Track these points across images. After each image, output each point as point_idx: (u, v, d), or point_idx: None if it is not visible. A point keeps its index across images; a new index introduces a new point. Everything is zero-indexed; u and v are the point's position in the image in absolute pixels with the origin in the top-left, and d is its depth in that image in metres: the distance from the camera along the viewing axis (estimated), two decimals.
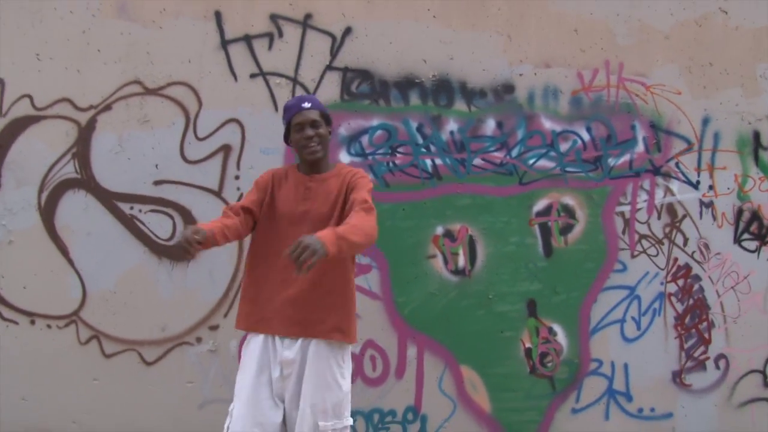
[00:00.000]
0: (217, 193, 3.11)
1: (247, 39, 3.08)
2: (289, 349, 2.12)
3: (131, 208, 3.17)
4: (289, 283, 2.12)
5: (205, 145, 3.12)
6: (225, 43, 3.08)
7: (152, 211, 3.16)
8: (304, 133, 2.21)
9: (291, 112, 2.25)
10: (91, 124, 3.20)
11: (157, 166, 3.14)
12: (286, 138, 2.31)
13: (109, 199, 3.16)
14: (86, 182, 3.10)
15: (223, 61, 3.10)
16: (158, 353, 3.14)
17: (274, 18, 3.07)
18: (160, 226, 3.15)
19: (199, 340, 3.12)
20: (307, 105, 2.23)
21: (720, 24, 3.07)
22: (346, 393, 2.18)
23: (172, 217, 3.15)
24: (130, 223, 3.19)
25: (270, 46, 3.08)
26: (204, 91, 3.11)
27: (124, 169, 3.18)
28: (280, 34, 3.07)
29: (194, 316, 3.12)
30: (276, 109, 3.10)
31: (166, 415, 3.11)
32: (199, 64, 3.10)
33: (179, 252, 1.91)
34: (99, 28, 3.06)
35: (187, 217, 3.14)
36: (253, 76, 3.10)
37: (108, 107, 3.21)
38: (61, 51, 3.04)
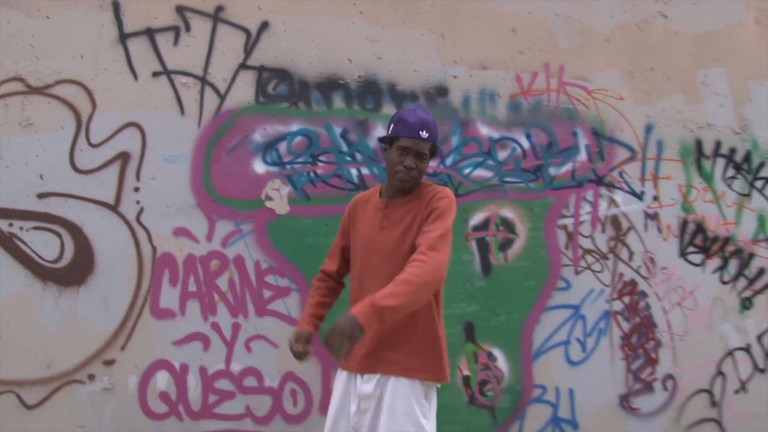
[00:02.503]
0: (113, 208, 2.90)
1: (150, 33, 2.92)
2: (367, 384, 2.17)
3: (10, 225, 2.93)
4: None
5: (99, 153, 2.92)
6: (124, 37, 2.90)
7: (36, 228, 2.93)
8: (406, 160, 2.16)
9: (405, 131, 2.17)
10: None
11: (42, 176, 2.92)
12: (381, 140, 2.30)
13: None
14: None
15: (122, 57, 2.92)
16: (42, 394, 2.88)
17: (180, 10, 2.93)
18: (45, 245, 2.92)
19: (91, 377, 2.88)
20: (424, 135, 2.16)
21: (660, 28, 3.13)
22: None
23: (59, 236, 2.92)
24: (8, 243, 2.93)
25: (176, 42, 2.93)
26: (99, 91, 2.91)
27: (1, 179, 2.91)
28: (188, 28, 2.93)
29: (86, 350, 2.89)
30: (182, 112, 2.91)
31: None
32: (94, 60, 2.91)
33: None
34: None
35: (77, 236, 2.90)
36: (156, 74, 2.93)
37: None
38: None
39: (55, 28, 2.86)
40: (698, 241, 3.18)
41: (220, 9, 2.96)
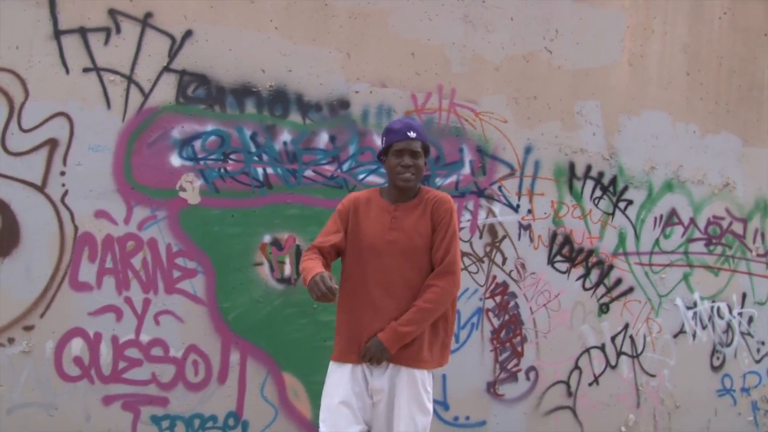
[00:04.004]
0: (40, 188, 3.25)
1: (83, 31, 3.26)
2: (378, 379, 2.40)
3: None
4: (378, 314, 2.39)
5: (29, 138, 3.27)
6: (58, 33, 3.24)
7: None
8: (403, 160, 2.41)
9: (395, 137, 2.44)
10: None
11: None
12: (380, 156, 2.54)
13: None
14: None
15: (55, 51, 3.26)
16: None
17: (112, 13, 3.29)
18: None
19: (11, 340, 3.22)
20: (412, 135, 2.42)
21: (545, 62, 3.60)
22: (431, 415, 2.45)
23: None
24: None
25: (106, 41, 3.28)
26: (32, 81, 3.26)
27: None
28: (118, 30, 3.28)
29: (7, 315, 3.24)
30: (108, 106, 3.27)
31: None
32: (29, 52, 3.25)
33: (321, 298, 2.22)
34: None
35: (4, 211, 3.23)
36: (86, 70, 3.28)
37: None
38: None
39: None
40: (565, 251, 3.69)
41: (149, 15, 3.32)
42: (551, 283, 3.71)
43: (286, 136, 3.42)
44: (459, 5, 3.53)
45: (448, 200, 2.47)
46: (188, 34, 3.34)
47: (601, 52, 3.73)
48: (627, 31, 3.74)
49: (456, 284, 2.39)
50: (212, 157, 3.36)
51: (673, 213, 3.93)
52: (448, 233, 2.39)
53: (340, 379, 2.41)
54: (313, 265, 2.36)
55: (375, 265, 2.40)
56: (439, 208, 2.42)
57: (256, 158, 3.40)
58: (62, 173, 3.25)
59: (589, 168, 3.72)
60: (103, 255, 3.28)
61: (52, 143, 3.27)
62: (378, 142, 3.50)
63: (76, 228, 3.26)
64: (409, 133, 2.41)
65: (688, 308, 3.94)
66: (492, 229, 3.64)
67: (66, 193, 3.25)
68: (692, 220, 3.99)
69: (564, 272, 3.73)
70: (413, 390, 2.37)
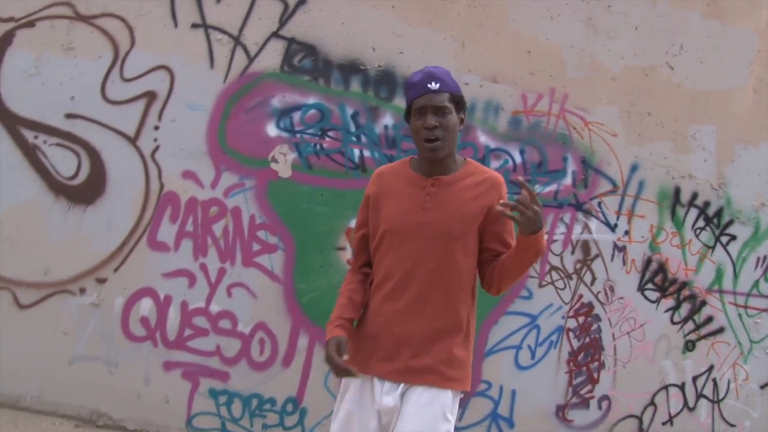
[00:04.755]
0: (132, 140, 3.22)
1: None
2: (388, 395, 1.93)
3: (36, 137, 3.24)
4: (403, 318, 1.94)
5: (129, 88, 3.25)
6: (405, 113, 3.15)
7: (58, 145, 3.23)
8: (426, 120, 1.91)
9: (413, 92, 1.94)
10: (8, 38, 3.26)
11: (73, 98, 3.23)
12: (407, 118, 2.04)
13: (12, 122, 3.18)
14: None
15: (167, 3, 3.21)
16: (35, 297, 3.20)
17: None
18: (63, 162, 3.24)
19: (82, 290, 3.20)
20: (434, 86, 1.91)
21: (665, 77, 3.41)
22: None
23: (78, 156, 3.21)
24: (31, 153, 3.25)
25: None
26: (139, 31, 3.23)
27: (35, 94, 3.26)
28: None
29: (82, 265, 3.21)
30: (212, 65, 3.20)
31: (32, 363, 3.15)
32: (140, 0, 3.14)
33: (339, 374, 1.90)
34: None
35: (95, 159, 3.20)
36: (194, 26, 3.23)
37: (31, 24, 3.25)
38: None
39: None
40: (658, 279, 3.49)
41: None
42: (638, 311, 3.51)
43: (388, 119, 3.30)
44: (583, 7, 3.36)
45: (502, 183, 2.00)
46: (302, 1, 3.25)
47: (725, 75, 3.50)
48: (757, 55, 3.52)
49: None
50: (309, 131, 3.27)
51: None
52: (504, 220, 1.93)
53: (349, 391, 1.98)
54: (340, 311, 1.99)
55: (400, 253, 1.93)
56: (500, 191, 1.95)
57: (354, 139, 3.29)
58: (156, 128, 3.22)
59: (695, 196, 3.52)
60: (185, 217, 3.24)
61: (150, 96, 3.24)
62: (481, 139, 3.35)
63: (162, 186, 3.22)
64: (430, 85, 1.90)
65: None
66: (585, 246, 3.47)
67: (157, 148, 3.21)
68: None
69: (653, 301, 3.52)
70: (428, 412, 1.87)
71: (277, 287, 3.26)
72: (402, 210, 1.95)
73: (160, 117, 3.20)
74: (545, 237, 1.88)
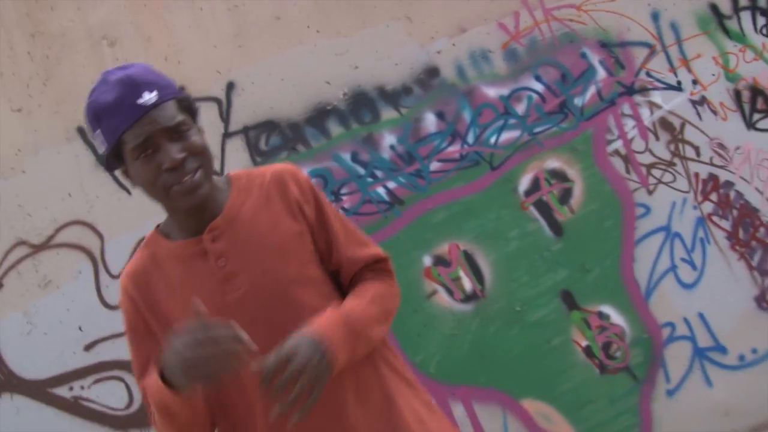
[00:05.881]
0: None
1: None
2: None
3: (70, 389, 2.88)
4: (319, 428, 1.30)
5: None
6: (101, 157, 2.83)
7: (96, 382, 2.88)
8: (164, 155, 1.24)
9: (117, 122, 1.23)
10: None
11: (80, 328, 2.89)
12: (108, 165, 1.34)
13: (41, 391, 2.86)
14: (6, 382, 2.85)
15: (107, 178, 2.88)
16: None
17: None
18: (112, 395, 2.90)
19: None
20: (147, 98, 1.23)
21: None
22: None
23: (122, 379, 2.85)
24: (76, 408, 2.89)
25: None
26: (100, 221, 2.91)
27: (44, 348, 2.93)
28: None
29: None
30: None
31: None
32: (82, 193, 2.88)
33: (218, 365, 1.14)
34: None
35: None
36: None
37: None
38: None
39: (33, 179, 2.86)
40: (760, 104, 2.97)
41: (181, 89, 2.90)
42: (764, 149, 2.98)
43: (389, 138, 2.89)
44: None
45: (293, 171, 1.40)
46: (230, 87, 2.90)
47: None
48: None
49: (398, 291, 1.44)
50: None
51: None
52: (330, 217, 1.37)
53: None
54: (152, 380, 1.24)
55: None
56: (288, 188, 1.34)
57: (370, 180, 2.90)
58: None
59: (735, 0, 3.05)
60: None
61: None
62: (491, 93, 2.91)
63: None
64: (140, 99, 1.22)
65: None
66: (665, 123, 2.97)
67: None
68: None
69: None
70: None
71: None
72: (202, 296, 1.19)
73: None
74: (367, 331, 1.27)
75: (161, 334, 1.29)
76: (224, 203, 1.34)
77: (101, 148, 1.29)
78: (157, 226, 1.41)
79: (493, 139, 2.92)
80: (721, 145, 2.98)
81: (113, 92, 1.23)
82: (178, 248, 1.32)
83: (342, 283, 1.41)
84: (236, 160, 2.89)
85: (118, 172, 1.34)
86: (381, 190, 2.89)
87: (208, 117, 2.90)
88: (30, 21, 2.97)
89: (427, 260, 2.86)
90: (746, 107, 3.01)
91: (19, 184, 2.87)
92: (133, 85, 1.23)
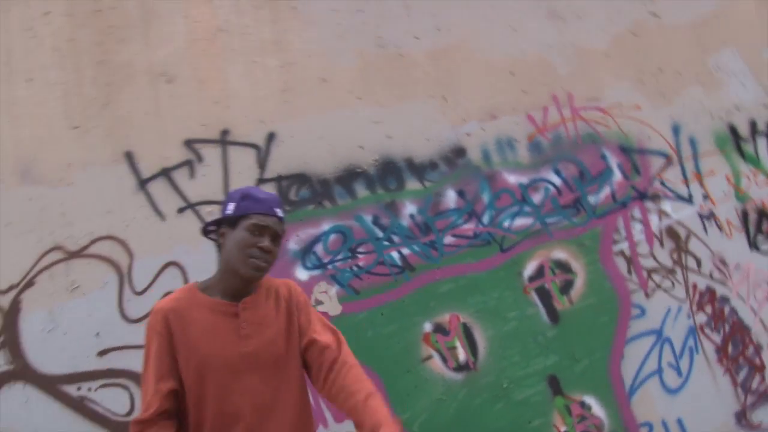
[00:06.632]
0: None
1: (166, 173, 3.10)
2: None
3: (78, 389, 3.02)
4: None
5: (146, 299, 3.05)
6: (143, 183, 3.05)
7: (103, 386, 3.00)
8: (262, 242, 1.81)
9: (257, 207, 1.85)
10: (16, 306, 3.13)
11: (98, 334, 3.02)
12: (214, 227, 1.93)
13: (52, 385, 2.99)
14: (22, 372, 2.99)
15: (146, 202, 3.07)
16: None
17: (189, 144, 3.08)
18: (116, 401, 3.03)
19: None
20: (280, 213, 1.89)
21: (655, 28, 3.14)
22: None
23: (127, 388, 2.99)
24: (80, 407, 3.02)
25: (192, 174, 3.07)
26: (132, 240, 3.08)
27: (61, 347, 3.07)
28: (200, 159, 3.09)
29: None
30: None
31: None
32: (121, 211, 3.06)
33: None
34: (3, 201, 2.99)
35: None
36: (180, 210, 3.07)
37: (30, 283, 3.13)
38: None
39: (79, 192, 3.08)
40: (765, 227, 3.10)
41: (225, 133, 3.14)
42: (764, 269, 3.10)
43: (410, 207, 3.09)
44: (540, 3, 3.18)
45: (297, 286, 1.99)
46: (271, 137, 3.13)
47: None
48: None
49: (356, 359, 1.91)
50: (339, 258, 3.06)
51: None
52: (313, 318, 1.91)
53: None
54: None
55: (231, 389, 1.73)
56: (297, 299, 1.92)
57: (386, 243, 3.07)
58: None
59: (753, 124, 3.19)
60: None
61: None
62: (511, 180, 3.11)
63: None
64: (277, 210, 1.87)
65: None
66: (672, 232, 3.12)
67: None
68: None
69: None
70: None
71: None
72: (216, 343, 1.76)
73: None
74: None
75: (184, 357, 1.78)
76: (257, 289, 1.92)
77: (225, 211, 1.90)
78: (195, 283, 1.92)
79: (507, 223, 3.10)
80: (723, 261, 3.11)
81: (265, 195, 1.91)
82: (216, 304, 1.85)
83: (310, 351, 1.93)
84: None
85: (213, 230, 1.94)
86: (395, 255, 3.07)
87: (246, 161, 3.12)
88: (100, 49, 3.22)
89: (428, 326, 3.02)
90: (752, 228, 3.15)
91: (65, 195, 3.08)
92: (277, 201, 1.92)
